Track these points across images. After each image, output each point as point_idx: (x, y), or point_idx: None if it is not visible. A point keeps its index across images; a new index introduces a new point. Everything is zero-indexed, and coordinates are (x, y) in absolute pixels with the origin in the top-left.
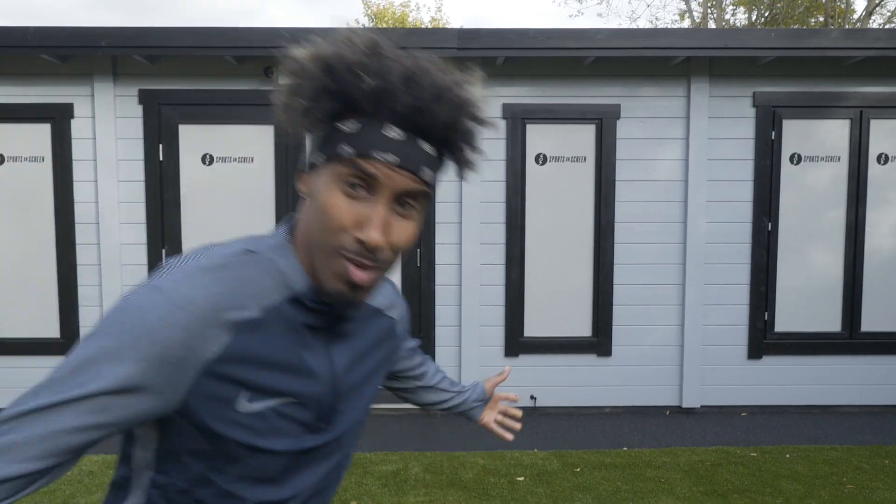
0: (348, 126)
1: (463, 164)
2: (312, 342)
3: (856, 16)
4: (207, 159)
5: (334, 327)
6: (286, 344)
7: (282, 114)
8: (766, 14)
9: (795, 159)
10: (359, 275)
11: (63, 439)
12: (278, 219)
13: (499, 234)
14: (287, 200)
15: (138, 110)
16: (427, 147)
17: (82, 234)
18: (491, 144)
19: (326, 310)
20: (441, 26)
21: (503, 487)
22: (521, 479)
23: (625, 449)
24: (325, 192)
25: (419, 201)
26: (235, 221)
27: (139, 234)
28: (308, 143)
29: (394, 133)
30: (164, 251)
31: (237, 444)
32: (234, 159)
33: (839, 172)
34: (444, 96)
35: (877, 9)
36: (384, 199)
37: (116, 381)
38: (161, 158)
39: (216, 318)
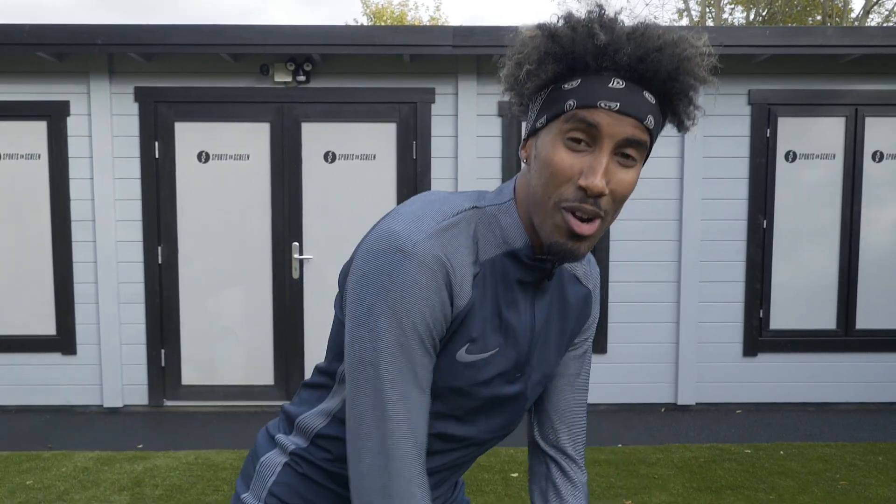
0: (571, 84)
1: (684, 117)
2: (521, 297)
3: (853, 14)
4: (203, 157)
5: (541, 284)
6: (500, 297)
7: (507, 88)
8: (765, 13)
9: (790, 157)
10: (580, 226)
11: None
12: (274, 215)
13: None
14: (283, 197)
15: (134, 108)
16: (649, 96)
17: (78, 232)
18: (487, 143)
19: (540, 265)
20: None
21: (497, 483)
22: (516, 475)
23: (619, 446)
24: (549, 149)
25: (639, 152)
26: (231, 219)
27: (135, 232)
28: (532, 112)
29: (617, 83)
30: (159, 248)
31: (446, 386)
32: (230, 157)
33: (834, 170)
34: (666, 48)
35: (875, 7)
36: (607, 149)
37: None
38: (157, 156)
39: (461, 274)
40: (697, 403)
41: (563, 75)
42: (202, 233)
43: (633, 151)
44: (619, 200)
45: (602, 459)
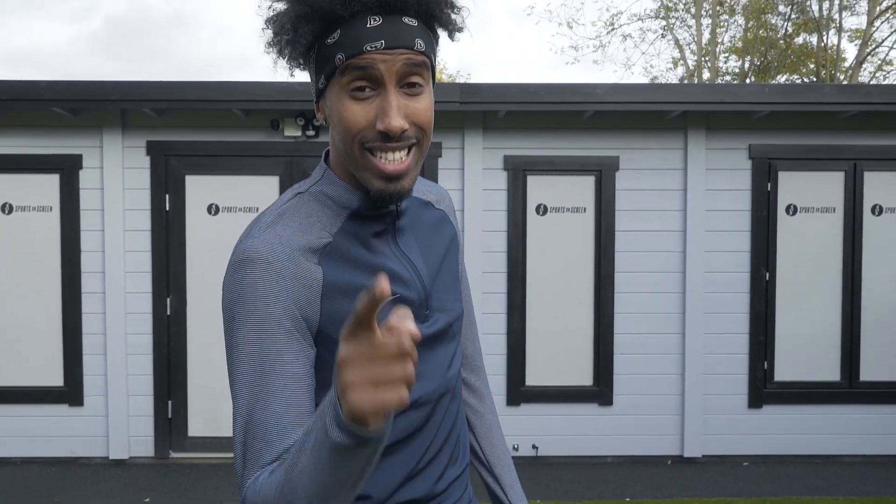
0: (332, 38)
1: (449, 27)
2: (383, 247)
3: (847, 63)
4: (213, 209)
5: (394, 226)
6: (367, 255)
7: (274, 56)
8: (759, 62)
9: (791, 210)
10: (390, 166)
11: None
12: None
13: (500, 283)
14: None
15: (146, 161)
16: (409, 20)
17: (88, 283)
18: (492, 196)
19: (382, 213)
20: (440, 79)
21: None
22: None
23: (627, 500)
24: (338, 106)
25: (423, 76)
26: None
27: (144, 283)
28: (311, 75)
29: (374, 20)
30: (168, 300)
31: None
32: (240, 209)
33: (835, 223)
34: None
35: (868, 58)
36: (391, 87)
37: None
38: (167, 208)
39: (301, 253)
40: (704, 456)
41: (323, 31)
42: (211, 284)
43: (417, 78)
44: (424, 125)
45: None
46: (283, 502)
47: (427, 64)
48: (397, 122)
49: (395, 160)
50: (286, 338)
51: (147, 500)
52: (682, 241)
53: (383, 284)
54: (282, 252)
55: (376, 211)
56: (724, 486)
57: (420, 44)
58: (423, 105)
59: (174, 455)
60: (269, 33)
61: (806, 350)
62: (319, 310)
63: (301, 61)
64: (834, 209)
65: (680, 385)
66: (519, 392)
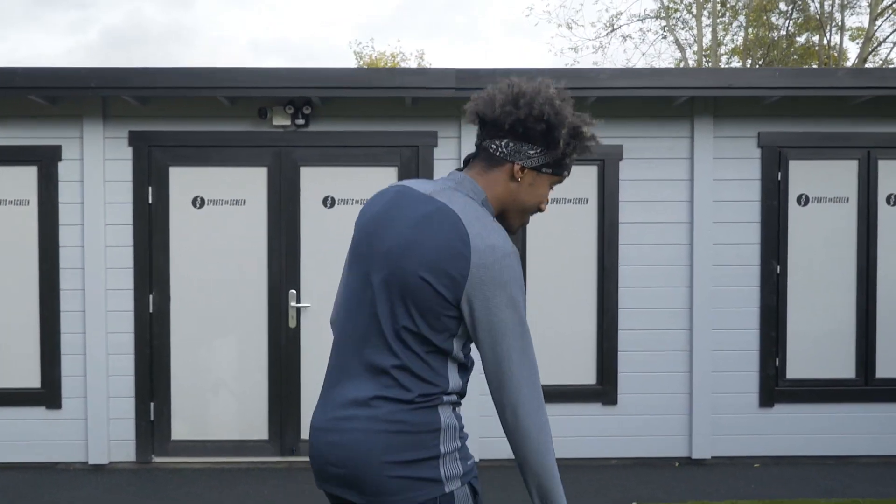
0: (570, 161)
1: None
2: None
3: (849, 63)
4: (198, 202)
5: None
6: None
7: (543, 151)
8: (761, 62)
9: (803, 200)
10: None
11: None
12: (271, 262)
13: None
14: (280, 244)
15: (128, 152)
16: None
17: (67, 280)
18: None
19: None
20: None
21: None
22: None
23: (634, 503)
24: (541, 186)
25: None
26: (226, 266)
27: (126, 280)
28: (530, 154)
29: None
30: (151, 297)
31: None
32: (226, 202)
33: (848, 213)
34: (592, 145)
35: (870, 56)
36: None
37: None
38: (150, 201)
39: None
40: (713, 457)
41: (570, 154)
42: (196, 280)
43: None
44: None
45: None
46: (544, 446)
47: None
48: (547, 207)
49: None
50: None
51: None
52: (688, 232)
53: None
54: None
55: None
56: (735, 488)
57: None
58: None
59: (157, 460)
60: (568, 143)
61: (819, 346)
62: None
63: (547, 149)
64: (847, 199)
65: (688, 383)
66: None
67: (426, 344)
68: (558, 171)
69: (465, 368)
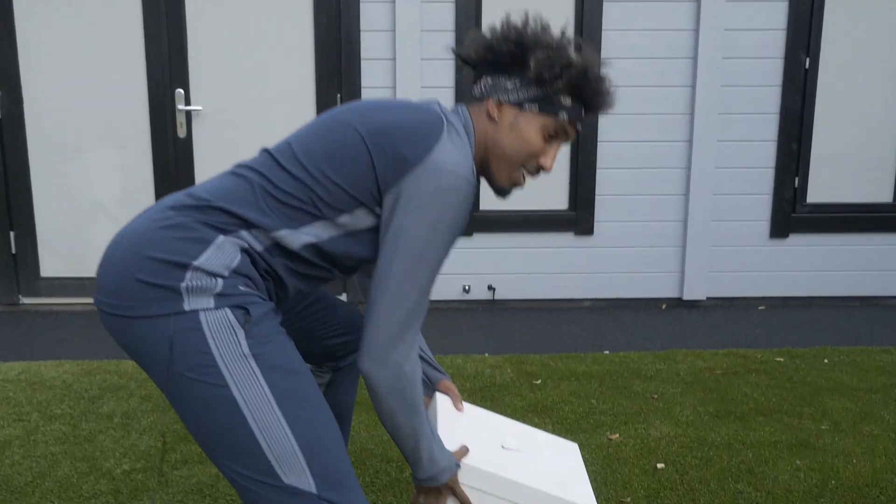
0: (566, 101)
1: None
2: None
3: None
4: None
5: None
6: None
7: (533, 69)
8: None
9: None
10: (521, 183)
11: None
12: (149, 52)
13: (447, 75)
14: (161, 30)
15: None
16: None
17: None
18: (437, 9)
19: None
20: None
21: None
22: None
23: (605, 353)
24: (531, 132)
25: None
26: (94, 57)
27: None
28: (509, 83)
29: (585, 113)
30: None
31: None
32: None
33: None
34: (608, 92)
35: None
36: (559, 144)
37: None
38: None
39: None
40: (708, 298)
41: (563, 92)
42: (55, 75)
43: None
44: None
45: (581, 372)
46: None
47: None
48: (551, 165)
49: (524, 182)
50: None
51: None
52: (694, 14)
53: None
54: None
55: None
56: (736, 335)
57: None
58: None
59: (25, 301)
60: (542, 67)
61: (851, 163)
62: None
63: (521, 83)
64: None
65: (682, 208)
66: (472, 218)
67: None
68: (548, 108)
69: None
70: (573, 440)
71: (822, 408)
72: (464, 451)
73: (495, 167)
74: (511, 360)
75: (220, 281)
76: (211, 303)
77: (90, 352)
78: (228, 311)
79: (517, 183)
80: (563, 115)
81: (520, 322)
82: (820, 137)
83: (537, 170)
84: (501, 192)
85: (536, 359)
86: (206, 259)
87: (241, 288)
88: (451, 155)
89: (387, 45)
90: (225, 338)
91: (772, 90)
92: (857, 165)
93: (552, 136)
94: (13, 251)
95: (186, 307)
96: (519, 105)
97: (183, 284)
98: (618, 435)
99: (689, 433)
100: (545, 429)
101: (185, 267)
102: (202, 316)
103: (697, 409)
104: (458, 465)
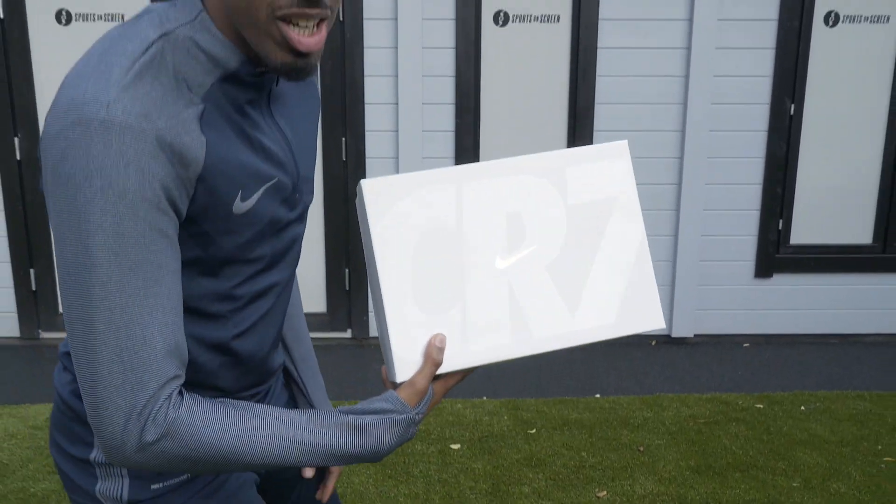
0: None
1: None
2: (258, 118)
3: None
4: (63, 17)
5: (270, 95)
6: (241, 128)
7: None
8: None
9: (831, 19)
10: (305, 41)
11: None
12: None
13: (446, 118)
14: None
15: None
16: None
17: None
18: (435, 0)
19: (262, 80)
20: None
21: (431, 461)
22: (457, 446)
23: (597, 397)
24: None
25: None
26: None
27: None
28: None
29: None
30: (17, 140)
31: (244, 243)
32: (100, 17)
33: (887, 38)
34: None
35: None
36: None
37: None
38: (1, 15)
39: (178, 122)
40: (696, 335)
41: None
42: None
43: None
44: None
45: (573, 420)
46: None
47: None
48: None
49: (311, 32)
50: (158, 225)
51: None
52: (684, 61)
53: None
54: (156, 117)
55: (258, 78)
56: (721, 376)
57: None
58: None
59: (45, 335)
60: None
61: (832, 206)
62: (194, 192)
63: None
64: (888, 18)
65: (671, 248)
66: None
67: None
68: None
69: None
70: (564, 497)
71: (794, 462)
72: (435, 346)
73: (249, 35)
74: (508, 406)
75: (121, 482)
76: None
77: None
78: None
79: (293, 45)
80: None
81: (510, 363)
82: (803, 181)
83: (303, 2)
84: (286, 70)
85: (532, 404)
86: (96, 450)
87: (155, 487)
88: (76, 89)
89: (390, 90)
90: None
91: (758, 135)
92: (839, 208)
93: None
94: (33, 288)
95: None
96: None
97: (94, 487)
98: (605, 492)
99: (670, 490)
100: (538, 485)
101: (80, 462)
102: None
103: (680, 463)
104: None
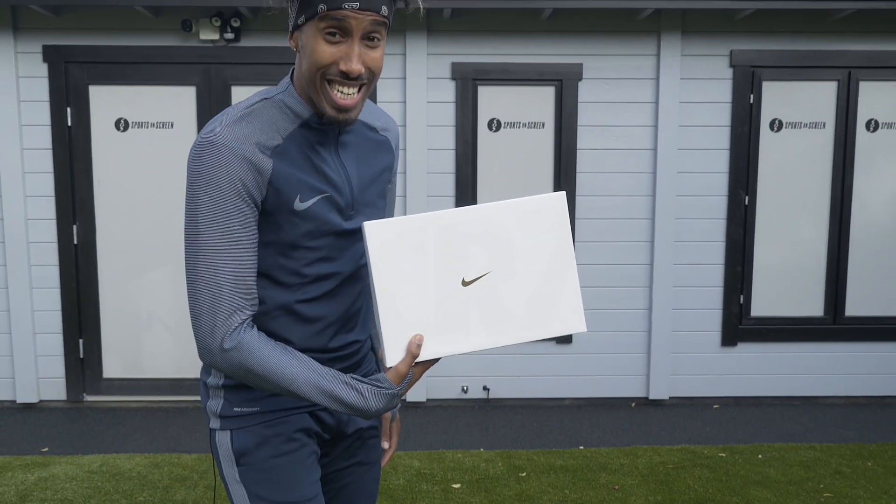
0: None
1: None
2: (325, 154)
3: None
4: (122, 124)
5: (337, 140)
6: (311, 158)
7: None
8: None
9: (776, 126)
10: (343, 101)
11: None
12: None
13: (447, 207)
14: None
15: (43, 69)
16: None
17: None
18: (439, 109)
19: (328, 128)
20: None
21: (435, 497)
22: (458, 486)
23: (580, 448)
24: (312, 43)
25: (381, 33)
26: (155, 193)
27: (47, 209)
28: (292, 11)
29: None
30: (75, 227)
31: (302, 233)
32: (152, 124)
33: (824, 140)
34: None
35: None
36: (356, 39)
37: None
38: (69, 123)
39: (258, 149)
40: (671, 398)
41: None
42: (123, 209)
43: (377, 34)
44: (375, 71)
45: (559, 466)
46: (266, 371)
47: (387, 24)
48: (356, 66)
49: (348, 95)
50: (239, 207)
51: (45, 449)
52: (652, 160)
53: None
54: (243, 143)
55: (321, 126)
56: (691, 432)
57: (385, 10)
58: (378, 55)
59: (89, 398)
60: None
61: (787, 282)
62: (266, 191)
63: None
64: (824, 124)
65: (647, 321)
66: None
67: None
68: (308, 10)
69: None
70: None
71: (747, 498)
72: (415, 343)
73: (314, 98)
74: (502, 455)
75: (220, 402)
76: (218, 424)
77: (153, 445)
78: (227, 435)
79: (335, 103)
80: (322, 7)
81: (511, 419)
82: (760, 261)
83: (344, 75)
84: (333, 119)
85: (523, 454)
86: (211, 376)
87: (237, 409)
88: (205, 128)
89: (399, 186)
90: (225, 462)
91: (718, 222)
92: (793, 284)
93: (332, 35)
94: (81, 356)
95: (211, 425)
96: (297, 27)
97: (207, 403)
98: None
99: None
100: None
101: (205, 385)
102: (216, 436)
103: (649, 498)
104: (408, 378)
